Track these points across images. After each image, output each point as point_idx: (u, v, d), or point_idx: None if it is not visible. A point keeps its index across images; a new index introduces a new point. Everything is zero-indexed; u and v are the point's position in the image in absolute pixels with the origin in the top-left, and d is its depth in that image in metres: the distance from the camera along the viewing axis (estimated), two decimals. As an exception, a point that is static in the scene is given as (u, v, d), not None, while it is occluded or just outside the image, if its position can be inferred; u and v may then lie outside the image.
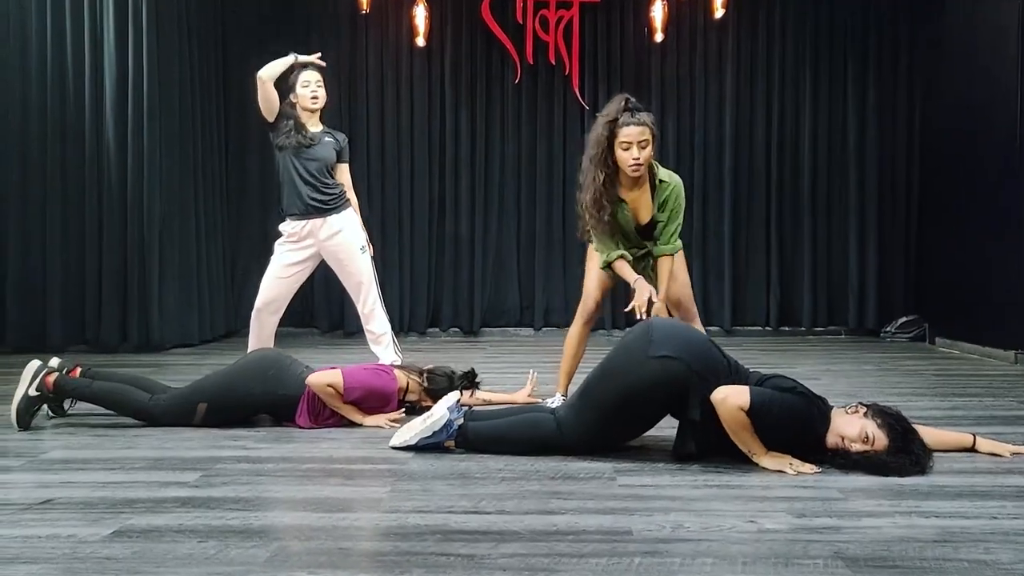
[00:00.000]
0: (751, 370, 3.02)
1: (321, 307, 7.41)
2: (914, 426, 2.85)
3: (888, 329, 7.22)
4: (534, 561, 2.03)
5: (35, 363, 3.52)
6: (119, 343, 6.22)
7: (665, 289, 3.60)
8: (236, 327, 7.25)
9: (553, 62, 7.33)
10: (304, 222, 4.52)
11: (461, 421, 3.07)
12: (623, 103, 3.49)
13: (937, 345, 6.62)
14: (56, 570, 1.99)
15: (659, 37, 7.20)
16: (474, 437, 3.06)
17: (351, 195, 4.74)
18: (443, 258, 7.52)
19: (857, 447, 2.76)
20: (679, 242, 3.70)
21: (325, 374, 3.48)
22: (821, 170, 7.45)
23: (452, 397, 3.15)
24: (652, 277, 3.66)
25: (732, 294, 7.43)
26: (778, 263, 7.45)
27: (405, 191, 7.46)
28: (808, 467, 2.79)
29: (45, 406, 3.54)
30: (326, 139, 4.62)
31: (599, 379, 2.98)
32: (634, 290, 3.48)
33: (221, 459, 3.02)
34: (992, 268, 5.82)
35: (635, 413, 2.96)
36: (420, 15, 7.22)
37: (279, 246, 4.60)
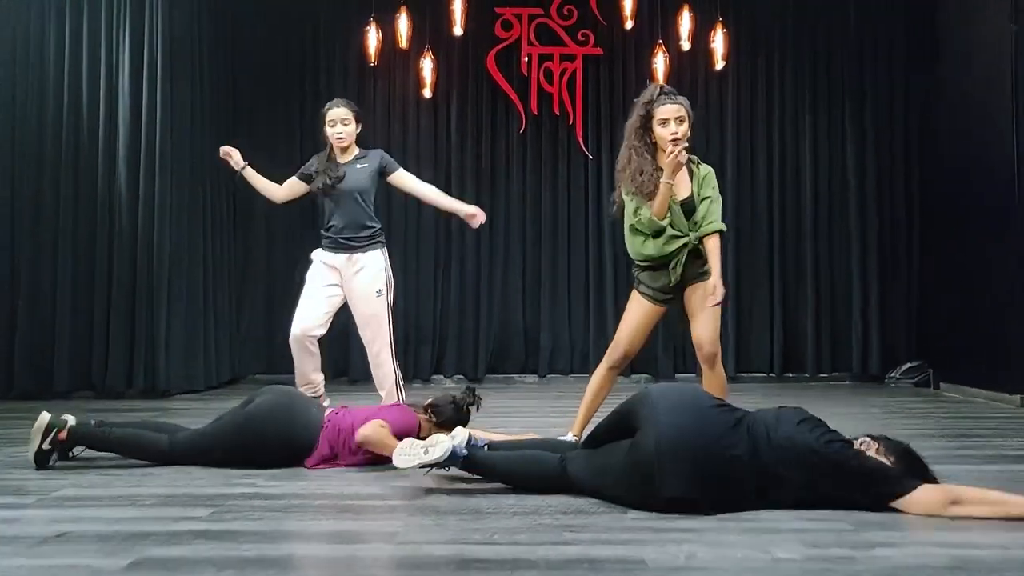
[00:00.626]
0: (755, 412, 2.92)
1: (324, 351, 7.42)
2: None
3: (892, 375, 7.24)
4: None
5: (45, 416, 3.46)
6: (124, 388, 6.25)
7: (718, 269, 3.58)
8: (241, 372, 7.32)
9: (557, 112, 7.50)
10: (334, 255, 4.51)
11: (465, 453, 3.05)
12: (658, 88, 3.65)
13: (942, 390, 6.64)
14: (75, 597, 2.00)
15: (660, 88, 7.36)
16: (481, 460, 3.05)
17: (426, 190, 4.79)
18: (448, 305, 7.59)
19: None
20: (722, 225, 3.66)
21: (376, 429, 3.39)
22: (822, 217, 7.56)
23: (462, 433, 3.13)
24: (681, 268, 3.60)
25: (736, 340, 7.46)
26: (781, 309, 7.51)
27: (411, 239, 7.56)
28: None
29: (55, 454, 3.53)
30: (358, 166, 4.56)
31: (609, 474, 2.85)
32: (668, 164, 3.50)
33: (232, 496, 3.03)
34: (994, 312, 5.87)
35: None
36: (427, 67, 7.42)
37: (310, 271, 4.58)
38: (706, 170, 3.70)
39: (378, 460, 3.45)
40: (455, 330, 7.55)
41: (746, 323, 7.53)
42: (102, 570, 2.19)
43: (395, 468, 3.13)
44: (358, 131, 4.62)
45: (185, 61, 6.63)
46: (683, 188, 3.64)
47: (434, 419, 3.61)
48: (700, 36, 7.40)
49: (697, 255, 3.61)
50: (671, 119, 3.55)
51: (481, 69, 7.56)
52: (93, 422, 3.61)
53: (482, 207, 7.39)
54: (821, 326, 7.49)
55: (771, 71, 7.61)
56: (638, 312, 3.72)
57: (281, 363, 7.05)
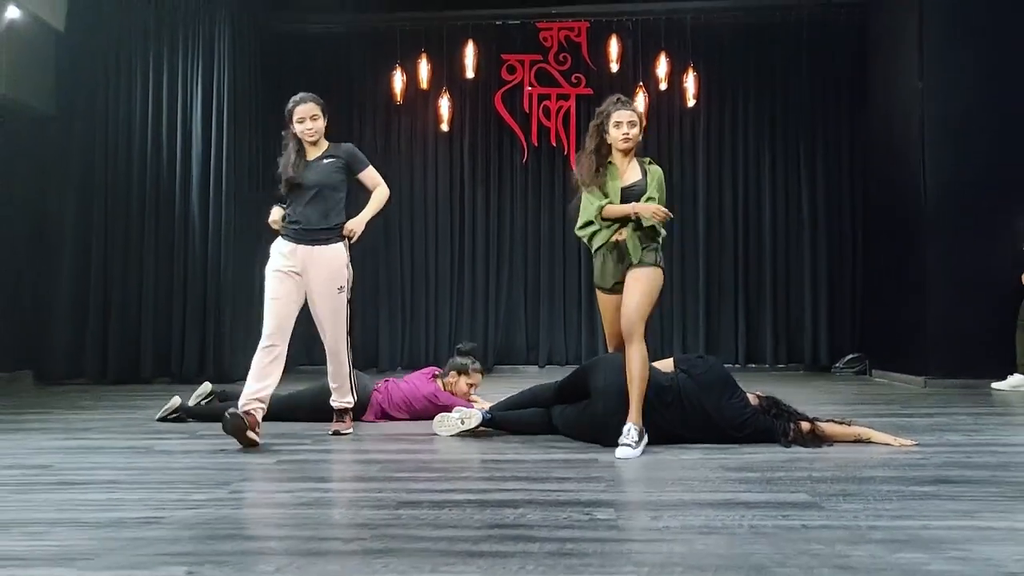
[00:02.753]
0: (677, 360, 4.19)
1: (358, 344, 8.75)
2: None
3: (838, 365, 8.53)
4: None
5: (207, 386, 5.00)
6: (197, 375, 7.60)
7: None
8: (289, 365, 8.66)
9: (554, 144, 8.84)
10: (295, 247, 4.26)
11: (491, 416, 4.40)
12: (616, 98, 4.11)
13: (873, 376, 7.94)
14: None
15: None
16: (499, 421, 4.40)
17: (373, 195, 4.48)
18: (462, 308, 8.93)
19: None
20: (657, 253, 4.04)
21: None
22: (780, 232, 8.84)
23: (480, 405, 4.50)
24: (633, 243, 3.94)
25: (706, 337, 8.77)
26: (744, 310, 8.80)
27: (431, 251, 8.92)
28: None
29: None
30: (325, 161, 4.36)
31: (578, 425, 4.13)
32: (637, 212, 3.89)
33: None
34: (911, 310, 7.16)
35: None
36: (444, 105, 8.77)
37: (270, 266, 4.29)
38: (657, 170, 4.08)
39: (419, 416, 4.83)
40: (468, 329, 8.86)
41: (715, 322, 8.83)
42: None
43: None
44: (325, 124, 4.47)
45: (245, 109, 8.03)
46: (630, 174, 4.04)
47: (450, 371, 4.98)
48: (675, 78, 8.74)
49: (639, 239, 3.96)
50: (624, 122, 3.98)
51: (490, 107, 8.92)
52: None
53: (490, 225, 8.90)
54: (778, 324, 8.78)
55: (736, 109, 8.91)
56: (606, 306, 4.15)
57: (321, 355, 8.45)
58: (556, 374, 8.47)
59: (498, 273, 8.98)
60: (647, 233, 3.97)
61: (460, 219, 8.97)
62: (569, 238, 8.92)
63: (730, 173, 8.91)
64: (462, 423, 4.36)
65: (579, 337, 8.86)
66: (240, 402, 4.02)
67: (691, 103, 8.71)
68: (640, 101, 8.61)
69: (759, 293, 8.84)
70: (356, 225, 4.33)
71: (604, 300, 4.12)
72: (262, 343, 4.16)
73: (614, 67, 8.73)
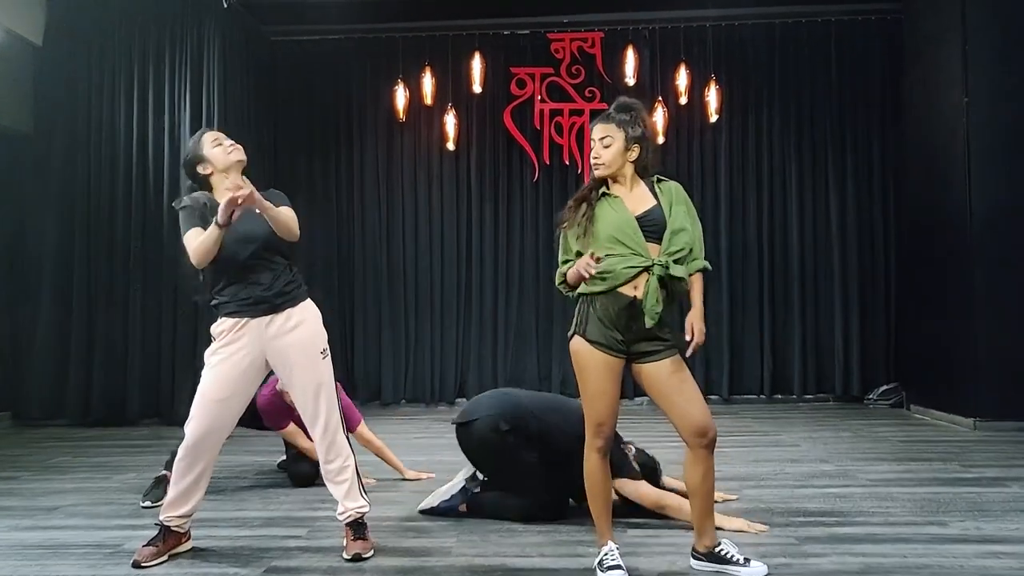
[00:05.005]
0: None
1: (360, 375, 8.27)
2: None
3: (871, 396, 8.00)
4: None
5: None
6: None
7: (701, 304, 3.03)
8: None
9: (567, 163, 8.31)
10: (239, 320, 3.32)
11: (477, 490, 3.91)
12: (612, 107, 3.16)
13: (912, 411, 7.41)
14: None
15: (660, 139, 8.17)
16: (484, 503, 3.89)
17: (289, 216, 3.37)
18: (469, 334, 8.40)
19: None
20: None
21: None
22: (808, 252, 8.31)
23: (468, 471, 3.99)
24: (658, 299, 2.94)
25: (729, 365, 8.25)
26: (770, 336, 8.28)
27: (436, 275, 8.39)
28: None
29: None
30: (257, 211, 3.25)
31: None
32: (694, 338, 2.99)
33: (319, 518, 3.86)
34: (955, 340, 6.62)
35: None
36: (450, 122, 8.25)
37: (209, 356, 3.42)
38: (672, 187, 3.11)
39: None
40: (476, 356, 8.35)
41: (739, 350, 8.31)
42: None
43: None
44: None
45: (237, 121, 7.49)
46: (641, 202, 3.05)
47: None
48: (696, 91, 8.21)
49: (667, 297, 2.97)
50: (596, 141, 3.08)
51: (498, 123, 8.39)
52: None
53: (499, 248, 8.37)
54: (807, 350, 8.25)
55: (760, 123, 8.38)
56: (599, 371, 2.98)
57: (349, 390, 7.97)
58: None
59: (507, 297, 8.45)
60: (674, 291, 2.97)
61: (467, 241, 8.43)
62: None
63: (754, 191, 8.38)
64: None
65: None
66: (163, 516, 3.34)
67: (713, 118, 8.19)
68: (659, 115, 8.10)
69: (786, 318, 8.31)
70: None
71: (607, 363, 2.97)
72: None
73: (630, 80, 8.19)
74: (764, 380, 8.26)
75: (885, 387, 7.98)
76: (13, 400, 7.11)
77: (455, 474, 4.06)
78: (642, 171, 3.10)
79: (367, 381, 8.33)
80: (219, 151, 3.43)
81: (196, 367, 7.03)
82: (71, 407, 7.09)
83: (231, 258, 3.30)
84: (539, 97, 8.32)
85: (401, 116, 8.25)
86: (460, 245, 8.42)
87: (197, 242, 3.24)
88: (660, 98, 8.16)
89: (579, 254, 3.02)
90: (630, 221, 2.96)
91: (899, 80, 7.78)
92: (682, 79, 8.17)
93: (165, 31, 7.34)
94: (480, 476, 3.98)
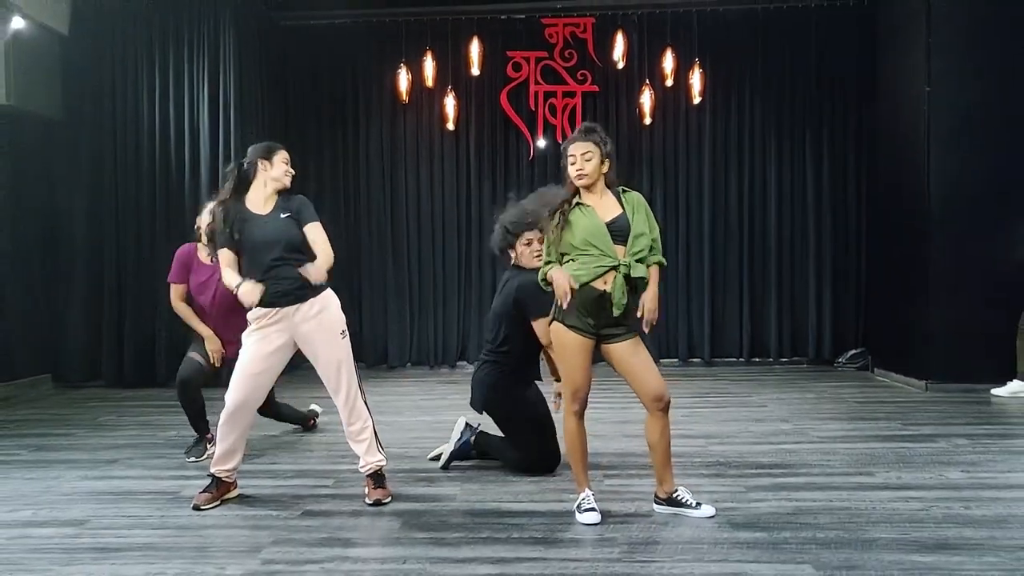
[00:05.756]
0: None
1: (368, 341, 8.91)
2: None
3: (840, 360, 8.66)
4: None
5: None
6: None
7: (655, 294, 3.53)
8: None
9: (560, 142, 8.81)
10: (271, 309, 3.90)
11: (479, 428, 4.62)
12: (576, 132, 3.67)
13: (876, 374, 8.06)
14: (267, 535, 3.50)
15: (648, 120, 8.72)
16: (490, 440, 4.59)
17: (325, 256, 3.95)
18: (470, 301, 9.02)
19: None
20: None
21: None
22: (785, 226, 8.91)
23: (463, 421, 4.67)
24: (623, 293, 3.50)
25: (711, 330, 8.89)
26: (749, 304, 8.90)
27: (438, 247, 9.00)
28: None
29: None
30: (282, 216, 3.98)
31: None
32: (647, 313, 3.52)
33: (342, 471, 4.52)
34: (914, 308, 7.25)
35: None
36: (450, 104, 8.78)
37: (246, 337, 3.95)
38: (634, 196, 3.64)
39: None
40: (476, 323, 8.97)
41: (720, 317, 8.94)
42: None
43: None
44: None
45: (252, 110, 8.05)
46: (609, 210, 3.58)
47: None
48: (681, 74, 8.73)
49: (630, 290, 3.53)
50: (577, 156, 3.55)
51: (495, 105, 8.92)
52: None
53: (495, 225, 8.90)
54: (783, 318, 8.88)
55: (742, 104, 8.91)
56: (576, 350, 3.58)
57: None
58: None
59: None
60: (636, 285, 3.55)
61: (467, 215, 9.02)
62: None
63: (736, 169, 8.94)
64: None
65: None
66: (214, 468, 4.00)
67: (696, 100, 8.71)
68: (646, 98, 8.64)
69: (764, 288, 8.93)
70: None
71: (581, 343, 3.57)
72: None
73: (620, 64, 8.71)
74: (743, 345, 8.91)
75: (853, 351, 8.63)
76: (53, 364, 7.78)
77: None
78: (609, 183, 3.66)
79: (375, 346, 8.97)
80: (283, 170, 4.08)
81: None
82: (107, 370, 7.76)
83: (259, 262, 3.90)
84: (534, 80, 8.83)
85: (404, 98, 8.77)
86: (460, 219, 9.01)
87: (224, 270, 3.95)
88: (647, 81, 8.68)
89: (562, 255, 3.64)
90: (600, 227, 3.54)
91: (873, 66, 8.30)
92: (668, 63, 8.67)
93: (183, 18, 7.87)
94: (474, 425, 4.65)
